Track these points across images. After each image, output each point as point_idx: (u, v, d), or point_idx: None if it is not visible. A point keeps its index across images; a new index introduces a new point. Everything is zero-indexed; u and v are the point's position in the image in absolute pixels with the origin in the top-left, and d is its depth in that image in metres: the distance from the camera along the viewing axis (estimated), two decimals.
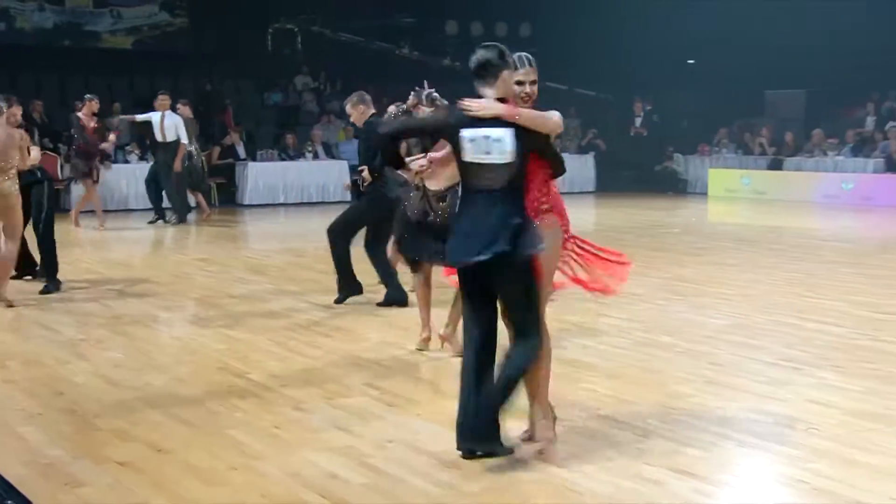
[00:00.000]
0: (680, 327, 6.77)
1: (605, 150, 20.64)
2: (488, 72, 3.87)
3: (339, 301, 7.55)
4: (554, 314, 4.76)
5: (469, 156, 3.91)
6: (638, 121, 20.47)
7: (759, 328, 6.71)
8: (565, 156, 4.42)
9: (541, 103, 4.10)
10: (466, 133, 3.88)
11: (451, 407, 4.64)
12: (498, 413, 3.92)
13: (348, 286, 7.59)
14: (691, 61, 21.60)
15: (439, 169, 5.11)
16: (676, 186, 19.97)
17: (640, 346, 6.15)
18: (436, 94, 6.10)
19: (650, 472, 3.87)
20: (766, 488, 3.83)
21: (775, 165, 19.11)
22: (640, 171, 20.23)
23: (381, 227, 7.28)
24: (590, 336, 6.44)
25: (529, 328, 3.91)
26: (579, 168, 19.96)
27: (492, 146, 3.85)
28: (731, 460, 4.12)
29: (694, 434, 4.36)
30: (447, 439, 4.09)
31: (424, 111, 6.07)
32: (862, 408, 4.76)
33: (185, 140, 14.01)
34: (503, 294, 3.92)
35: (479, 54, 3.91)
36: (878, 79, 19.44)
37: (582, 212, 16.81)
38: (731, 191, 19.19)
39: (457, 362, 5.62)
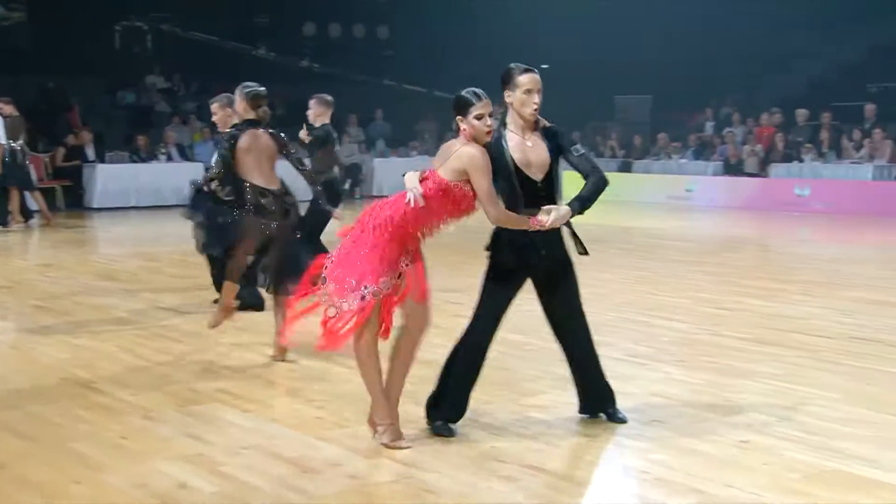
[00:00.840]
0: (533, 326, 6.90)
1: None
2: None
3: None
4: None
5: None
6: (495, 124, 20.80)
7: (609, 325, 6.92)
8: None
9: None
10: None
11: (307, 411, 4.57)
12: None
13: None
14: (545, 66, 22.16)
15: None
16: None
17: (493, 345, 6.24)
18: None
19: (504, 470, 3.93)
20: (614, 481, 3.96)
21: (625, 168, 19.84)
22: None
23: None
24: (444, 335, 6.49)
25: None
26: None
27: None
28: (581, 455, 4.24)
29: (546, 430, 4.46)
30: (304, 444, 4.03)
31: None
32: (701, 399, 4.99)
33: (3, 140, 13.29)
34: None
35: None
36: (716, 86, 20.50)
37: None
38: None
39: (311, 366, 5.58)
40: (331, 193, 7.54)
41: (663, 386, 5.28)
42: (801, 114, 17.67)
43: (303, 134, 8.28)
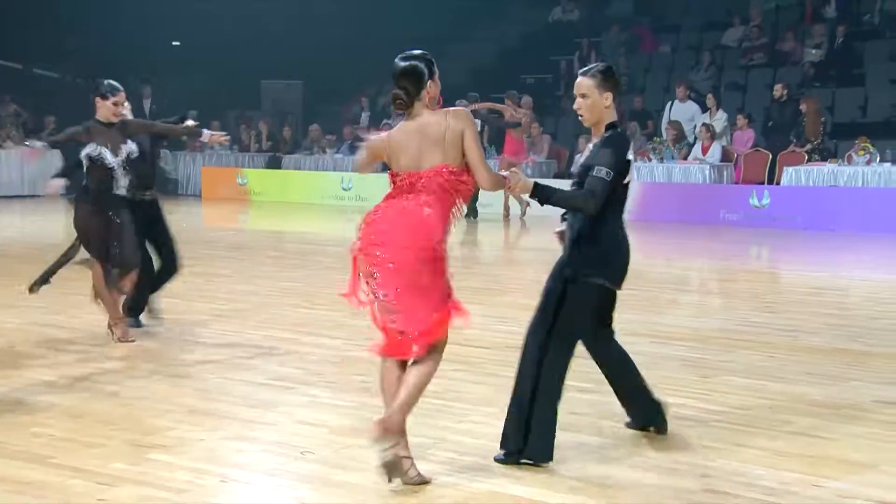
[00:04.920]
0: (162, 353, 6.71)
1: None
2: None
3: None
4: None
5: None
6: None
7: (252, 346, 6.89)
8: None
9: None
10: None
11: None
12: None
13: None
14: (176, 43, 21.68)
15: None
16: (165, 188, 19.88)
17: (105, 374, 5.99)
18: None
19: None
20: None
21: (273, 163, 19.90)
22: None
23: None
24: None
25: None
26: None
27: None
28: (212, 499, 4.15)
29: (167, 475, 4.32)
30: None
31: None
32: (350, 424, 5.09)
33: None
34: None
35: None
36: (372, 73, 21.21)
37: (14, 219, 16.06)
38: (228, 191, 19.60)
39: None
40: None
41: (310, 411, 5.33)
42: (463, 103, 18.77)
43: None
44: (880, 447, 4.81)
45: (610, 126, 4.62)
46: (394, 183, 4.38)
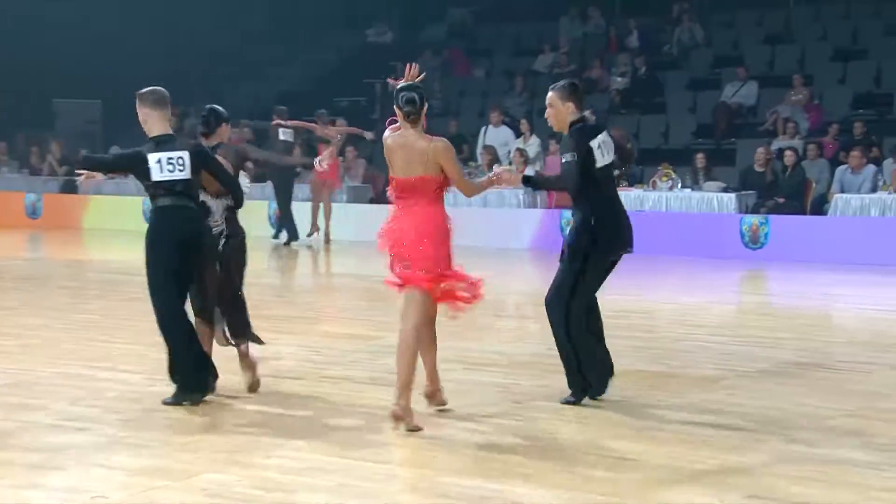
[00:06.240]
0: None
1: None
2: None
3: None
4: None
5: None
6: None
7: (42, 384, 6.62)
8: None
9: None
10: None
11: None
12: None
13: None
14: None
15: None
16: None
17: None
18: None
19: None
20: None
21: (69, 188, 19.14)
22: None
23: None
24: None
25: None
26: None
27: None
28: None
29: None
30: None
31: None
32: (150, 465, 4.95)
33: None
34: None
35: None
36: (181, 93, 20.78)
37: None
38: (13, 218, 18.72)
39: None
40: None
41: (105, 453, 5.15)
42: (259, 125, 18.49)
43: None
44: (680, 468, 5.03)
45: (572, 124, 5.99)
46: (392, 187, 5.69)
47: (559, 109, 6.02)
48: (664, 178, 15.70)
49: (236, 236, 6.44)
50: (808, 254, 13.92)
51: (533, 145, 17.09)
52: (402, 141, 5.60)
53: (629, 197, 15.84)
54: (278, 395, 6.35)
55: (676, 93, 19.13)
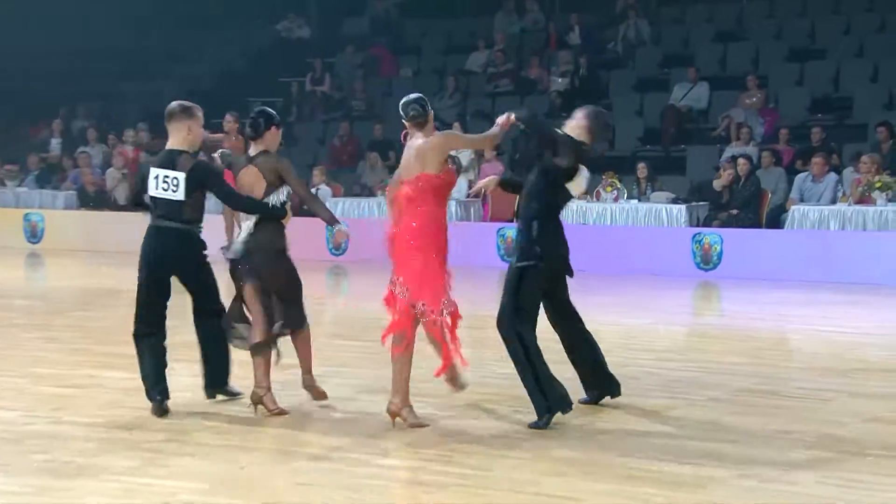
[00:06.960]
0: None
1: None
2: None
3: None
4: None
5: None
6: None
7: None
8: None
9: None
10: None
11: None
12: None
13: None
14: None
15: None
16: None
17: None
18: None
19: None
20: None
21: None
22: None
23: None
24: None
25: None
26: None
27: None
28: None
29: None
30: None
31: None
32: None
33: None
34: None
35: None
36: (65, 92, 20.44)
37: None
38: None
39: None
40: None
41: None
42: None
43: None
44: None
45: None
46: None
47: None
48: (608, 189, 15.74)
49: (260, 250, 6.67)
50: (763, 271, 14.10)
51: (466, 153, 17.11)
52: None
53: (568, 209, 15.90)
54: (173, 430, 6.25)
55: (622, 94, 19.26)
